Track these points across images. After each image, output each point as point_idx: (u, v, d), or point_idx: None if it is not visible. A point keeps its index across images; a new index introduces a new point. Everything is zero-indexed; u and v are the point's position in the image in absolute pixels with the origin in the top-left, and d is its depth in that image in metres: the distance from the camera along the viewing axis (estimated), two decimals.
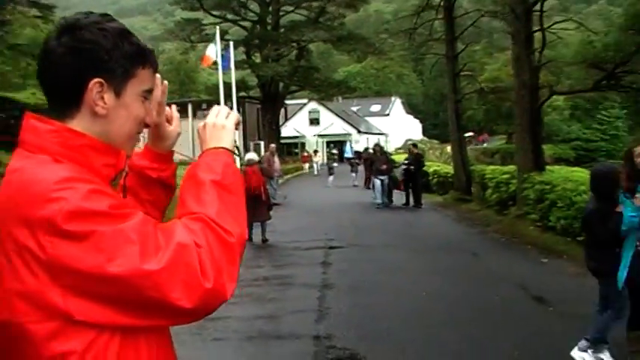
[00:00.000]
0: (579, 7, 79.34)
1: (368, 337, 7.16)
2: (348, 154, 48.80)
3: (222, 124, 1.81)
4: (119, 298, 1.37)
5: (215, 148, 1.74)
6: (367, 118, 77.69)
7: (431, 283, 9.94)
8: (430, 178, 27.30)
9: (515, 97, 16.94)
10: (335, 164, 37.68)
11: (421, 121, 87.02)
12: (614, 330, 6.08)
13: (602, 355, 6.06)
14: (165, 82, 1.84)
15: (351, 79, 78.77)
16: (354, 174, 35.11)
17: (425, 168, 24.34)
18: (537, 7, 16.04)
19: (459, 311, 8.19)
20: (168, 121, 1.93)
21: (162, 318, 1.45)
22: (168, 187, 2.02)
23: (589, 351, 6.09)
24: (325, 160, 45.45)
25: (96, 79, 1.51)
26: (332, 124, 68.79)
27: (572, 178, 14.10)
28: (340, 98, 71.23)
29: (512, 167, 18.61)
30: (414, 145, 24.08)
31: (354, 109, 78.40)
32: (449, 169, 27.69)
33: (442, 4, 23.28)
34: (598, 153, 58.69)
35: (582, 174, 14.71)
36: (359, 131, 69.45)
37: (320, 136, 66.81)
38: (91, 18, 1.56)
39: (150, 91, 1.68)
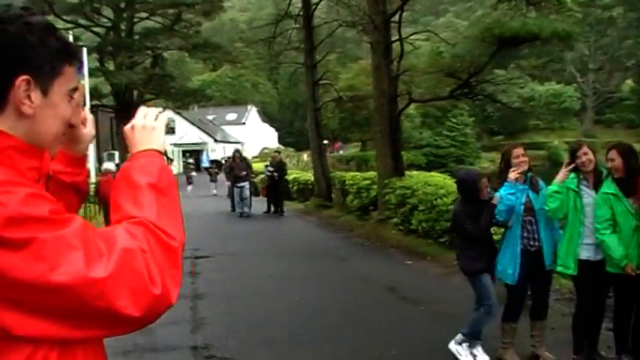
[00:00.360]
0: (427, 20, 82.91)
1: (247, 345, 7.10)
2: (205, 163, 48.38)
3: (152, 125, 1.74)
4: (61, 309, 1.27)
5: (146, 150, 1.67)
6: (223, 127, 77.33)
7: (303, 288, 10.01)
8: (290, 185, 27.54)
9: (375, 106, 17.40)
10: (193, 173, 37.43)
11: (277, 130, 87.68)
12: (490, 323, 6.37)
13: (475, 351, 6.34)
14: (82, 81, 1.72)
15: (206, 87, 78.06)
16: (213, 183, 34.89)
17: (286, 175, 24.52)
18: (395, 18, 16.55)
19: (334, 314, 8.29)
20: (83, 123, 1.85)
21: (106, 328, 1.35)
22: (81, 191, 1.93)
23: (463, 345, 6.36)
24: (181, 170, 44.82)
25: (23, 77, 1.39)
26: (187, 133, 67.93)
27: (431, 182, 14.65)
28: (196, 107, 70.40)
29: (372, 173, 19.10)
30: (278, 152, 24.20)
31: (210, 117, 77.86)
32: (308, 176, 28.05)
33: (301, 13, 23.57)
34: (448, 159, 61.52)
35: (440, 178, 15.40)
36: (215, 140, 68.99)
37: (176, 145, 65.71)
38: (14, 11, 1.44)
39: (75, 90, 1.57)
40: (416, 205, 14.30)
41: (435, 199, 13.37)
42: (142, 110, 1.80)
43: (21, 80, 1.39)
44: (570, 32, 13.89)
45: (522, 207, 6.03)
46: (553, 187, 5.94)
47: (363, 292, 9.51)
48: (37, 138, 1.47)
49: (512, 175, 5.98)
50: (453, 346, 6.42)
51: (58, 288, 1.23)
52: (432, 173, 17.78)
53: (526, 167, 6.15)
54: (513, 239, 6.06)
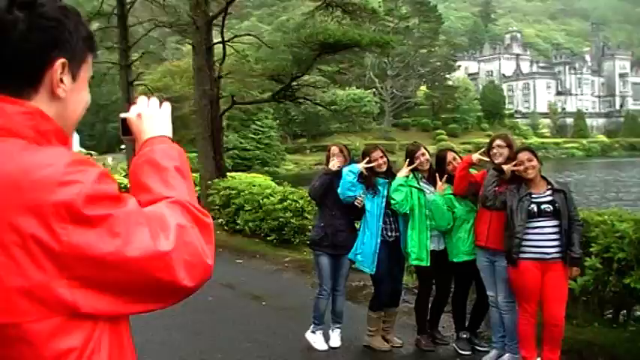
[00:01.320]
0: (232, 24, 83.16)
1: None
2: None
3: (160, 113, 1.80)
4: (127, 283, 1.32)
5: (160, 136, 1.72)
6: None
7: None
8: None
9: (197, 107, 17.40)
10: None
11: (78, 132, 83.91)
12: (354, 310, 6.76)
13: (318, 336, 6.73)
14: None
15: None
16: None
17: None
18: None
19: (182, 315, 8.27)
20: None
21: (161, 300, 1.42)
22: None
23: (317, 332, 6.72)
24: None
25: (61, 59, 1.41)
26: None
27: (255, 183, 14.96)
28: None
29: (194, 175, 19.02)
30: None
31: None
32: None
33: (115, 12, 22.89)
34: (254, 161, 62.38)
35: (262, 179, 15.77)
36: None
37: None
38: None
39: (92, 78, 1.61)
40: (242, 206, 14.51)
41: (262, 199, 13.68)
42: (143, 99, 1.84)
43: (60, 63, 1.41)
44: (388, 40, 14.81)
45: (384, 200, 6.50)
46: (398, 181, 6.44)
47: (204, 291, 9.46)
48: (63, 122, 1.47)
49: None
50: (308, 335, 6.77)
51: (130, 263, 1.28)
52: (254, 174, 18.11)
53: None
54: (374, 230, 6.48)
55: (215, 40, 17.15)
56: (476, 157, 6.32)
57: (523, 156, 5.75)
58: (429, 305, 6.78)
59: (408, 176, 6.49)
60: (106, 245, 1.26)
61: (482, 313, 6.64)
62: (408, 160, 6.58)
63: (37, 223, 1.22)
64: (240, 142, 63.39)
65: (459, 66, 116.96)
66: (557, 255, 5.54)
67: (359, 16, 16.74)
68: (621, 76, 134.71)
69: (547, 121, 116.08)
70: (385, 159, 6.69)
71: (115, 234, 1.28)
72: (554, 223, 5.57)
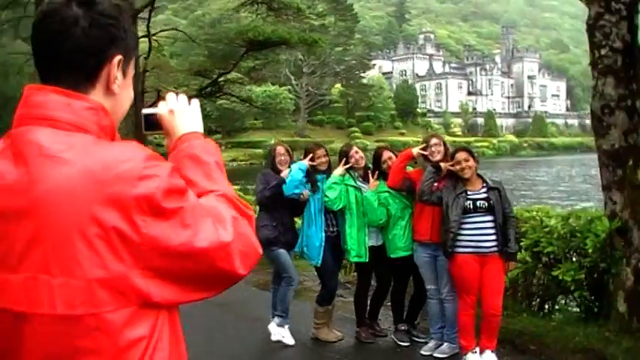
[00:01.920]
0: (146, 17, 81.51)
1: None
2: None
3: (191, 110, 1.78)
4: (193, 272, 1.37)
5: (194, 132, 1.72)
6: None
7: None
8: None
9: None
10: None
11: None
12: (301, 305, 6.84)
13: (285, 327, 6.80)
14: None
15: None
16: None
17: None
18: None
19: None
20: None
21: (216, 288, 1.47)
22: None
23: (285, 327, 6.78)
24: None
25: (118, 56, 1.47)
26: None
27: None
28: None
29: None
30: None
31: None
32: None
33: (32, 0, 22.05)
34: None
35: None
36: None
37: None
38: None
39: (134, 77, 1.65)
40: None
41: None
42: (172, 95, 1.84)
43: (117, 59, 1.46)
44: (316, 39, 14.95)
45: (324, 196, 6.64)
46: (333, 179, 6.59)
47: None
48: (115, 117, 1.51)
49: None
50: (273, 328, 6.81)
51: (198, 253, 1.34)
52: None
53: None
54: (319, 224, 6.64)
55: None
56: (416, 151, 6.53)
57: (460, 156, 6.00)
58: (365, 298, 6.98)
59: (343, 175, 6.67)
60: (179, 236, 1.32)
61: (419, 306, 6.88)
62: (344, 159, 6.75)
63: (119, 215, 1.28)
64: (155, 138, 62.15)
65: (374, 65, 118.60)
66: (494, 249, 5.79)
67: (284, 13, 16.80)
68: (529, 78, 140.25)
69: (459, 120, 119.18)
70: (328, 157, 6.87)
71: (186, 225, 1.34)
72: (490, 218, 5.82)
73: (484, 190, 5.94)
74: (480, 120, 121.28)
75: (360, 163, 6.79)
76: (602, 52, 6.08)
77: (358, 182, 6.74)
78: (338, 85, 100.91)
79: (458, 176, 5.98)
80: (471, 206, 5.84)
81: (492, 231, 5.81)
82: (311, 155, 6.74)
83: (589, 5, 6.22)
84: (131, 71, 1.58)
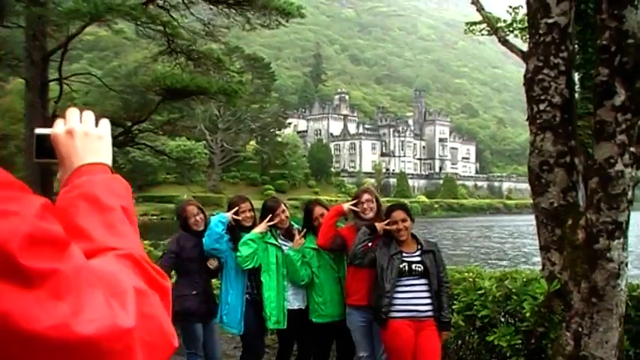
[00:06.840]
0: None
1: None
2: None
3: (98, 133, 1.30)
4: None
5: (97, 164, 1.26)
6: None
7: None
8: None
9: (26, 147, 16.28)
10: None
11: None
12: None
13: None
14: None
15: None
16: None
17: None
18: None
19: None
20: None
21: None
22: None
23: None
24: None
25: None
26: None
27: None
28: None
29: None
30: None
31: None
32: None
33: None
34: None
35: None
36: None
37: None
38: None
39: None
40: None
41: None
42: (74, 112, 1.31)
43: None
44: (237, 89, 14.62)
45: None
46: (250, 236, 5.98)
47: None
48: None
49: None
50: None
51: (80, 343, 0.82)
52: None
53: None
54: (239, 288, 6.08)
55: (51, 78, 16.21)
56: (347, 207, 6.07)
57: (398, 215, 5.61)
58: None
59: (265, 232, 6.15)
60: (49, 315, 0.80)
61: None
62: (269, 216, 6.20)
63: None
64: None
65: (290, 123, 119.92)
66: (429, 313, 5.43)
67: (203, 64, 16.51)
68: (441, 140, 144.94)
69: (372, 180, 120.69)
70: (253, 213, 6.35)
71: (61, 298, 0.81)
72: (424, 281, 5.47)
73: (418, 252, 5.58)
74: (393, 180, 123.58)
75: (285, 224, 6.25)
76: (541, 106, 5.90)
77: (280, 240, 6.20)
78: (253, 142, 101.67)
79: (392, 235, 5.60)
80: (407, 269, 5.47)
81: (427, 294, 5.46)
82: (236, 209, 6.21)
83: (527, 59, 6.07)
84: None
